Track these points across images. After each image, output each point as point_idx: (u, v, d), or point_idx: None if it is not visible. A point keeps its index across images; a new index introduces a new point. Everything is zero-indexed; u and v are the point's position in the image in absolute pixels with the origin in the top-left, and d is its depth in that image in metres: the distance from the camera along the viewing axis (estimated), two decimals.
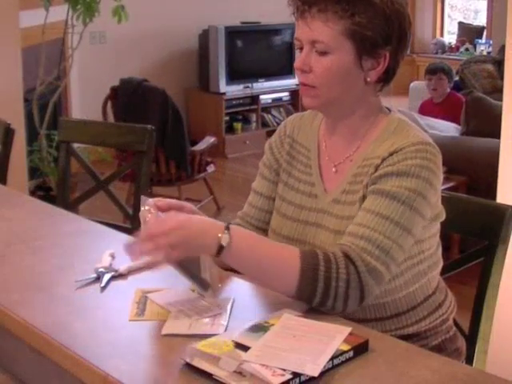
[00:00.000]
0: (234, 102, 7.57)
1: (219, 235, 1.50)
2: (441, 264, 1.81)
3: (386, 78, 1.72)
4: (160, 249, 1.48)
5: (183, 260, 1.54)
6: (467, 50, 10.22)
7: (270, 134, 6.50)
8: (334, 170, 1.77)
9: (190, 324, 1.50)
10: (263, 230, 1.87)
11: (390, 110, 1.77)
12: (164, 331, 1.48)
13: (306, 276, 1.52)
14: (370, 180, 1.65)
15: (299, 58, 1.69)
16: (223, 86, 7.40)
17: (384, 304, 1.70)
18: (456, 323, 1.88)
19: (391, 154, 1.64)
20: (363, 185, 1.67)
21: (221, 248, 1.50)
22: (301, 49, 1.69)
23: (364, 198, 1.66)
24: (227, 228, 1.51)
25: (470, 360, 1.86)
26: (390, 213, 1.59)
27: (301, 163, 1.83)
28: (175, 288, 1.65)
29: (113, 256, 1.85)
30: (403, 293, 1.71)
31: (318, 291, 1.52)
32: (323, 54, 1.65)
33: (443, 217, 1.75)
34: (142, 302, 1.61)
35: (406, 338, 1.70)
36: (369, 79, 1.69)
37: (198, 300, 1.60)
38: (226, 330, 1.47)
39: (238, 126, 7.55)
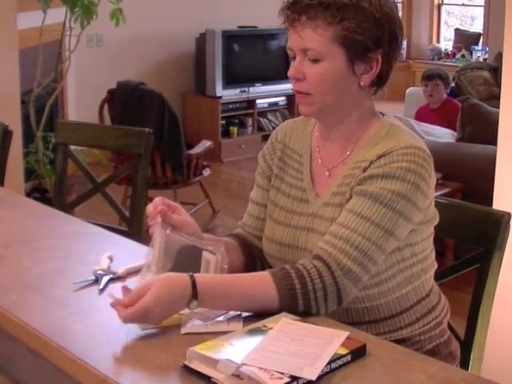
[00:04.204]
0: (231, 106, 7.57)
1: (188, 303, 1.50)
2: (434, 267, 1.81)
3: (380, 81, 1.73)
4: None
5: (185, 266, 1.55)
6: (463, 56, 10.24)
7: (265, 138, 6.50)
8: (327, 173, 1.77)
9: (206, 323, 1.52)
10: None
11: (383, 115, 1.78)
12: (183, 330, 1.50)
13: (285, 298, 1.55)
14: (356, 181, 1.67)
15: (292, 67, 1.70)
16: (220, 90, 7.41)
17: (377, 306, 1.72)
18: (451, 328, 1.88)
19: (379, 157, 1.65)
20: (350, 186, 1.68)
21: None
22: (294, 58, 1.70)
23: (350, 199, 1.67)
24: (194, 293, 1.49)
25: (465, 367, 1.86)
26: (372, 214, 1.60)
27: (292, 168, 1.84)
28: None
29: (111, 258, 1.86)
30: (396, 295, 1.72)
31: (299, 307, 1.55)
32: (315, 61, 1.66)
33: (436, 221, 1.76)
34: None
35: (401, 342, 1.71)
36: (362, 83, 1.70)
37: None
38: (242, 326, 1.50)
39: (234, 130, 7.55)
